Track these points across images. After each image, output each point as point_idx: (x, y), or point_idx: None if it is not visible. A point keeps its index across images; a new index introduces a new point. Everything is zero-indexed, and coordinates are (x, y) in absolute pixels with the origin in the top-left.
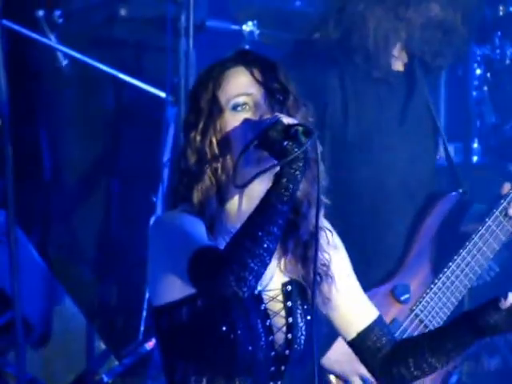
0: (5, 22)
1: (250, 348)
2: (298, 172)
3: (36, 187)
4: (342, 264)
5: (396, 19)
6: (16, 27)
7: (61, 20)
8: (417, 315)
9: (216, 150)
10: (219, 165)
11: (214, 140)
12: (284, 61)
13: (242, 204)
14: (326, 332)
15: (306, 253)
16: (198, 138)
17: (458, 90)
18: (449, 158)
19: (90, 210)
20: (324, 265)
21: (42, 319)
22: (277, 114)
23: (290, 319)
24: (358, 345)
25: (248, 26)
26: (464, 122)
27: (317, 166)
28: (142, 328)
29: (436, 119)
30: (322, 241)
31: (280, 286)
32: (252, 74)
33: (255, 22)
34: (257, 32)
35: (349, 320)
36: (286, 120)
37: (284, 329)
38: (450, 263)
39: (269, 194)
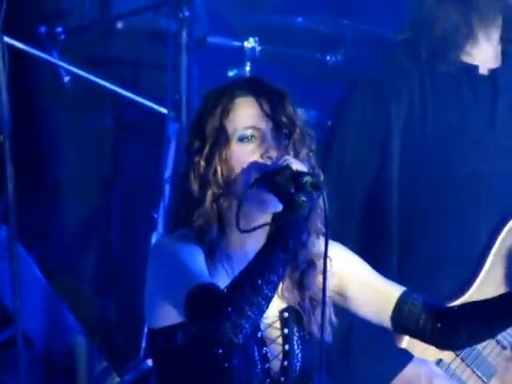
0: (6, 38)
1: (245, 377)
2: (301, 221)
3: (37, 203)
4: (351, 266)
5: (467, 10)
6: (18, 43)
7: (62, 36)
8: None
9: (220, 179)
10: (221, 192)
11: (219, 169)
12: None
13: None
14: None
15: (302, 280)
16: (203, 164)
17: None
18: None
19: (91, 226)
20: (320, 291)
21: (42, 335)
22: (286, 157)
23: (287, 346)
24: (399, 321)
25: (249, 43)
26: None
27: (325, 220)
28: (143, 344)
29: None
30: (320, 266)
31: (277, 313)
32: (261, 106)
33: (256, 38)
34: (258, 48)
35: (380, 305)
36: (295, 166)
37: (280, 356)
38: None
39: (271, 241)
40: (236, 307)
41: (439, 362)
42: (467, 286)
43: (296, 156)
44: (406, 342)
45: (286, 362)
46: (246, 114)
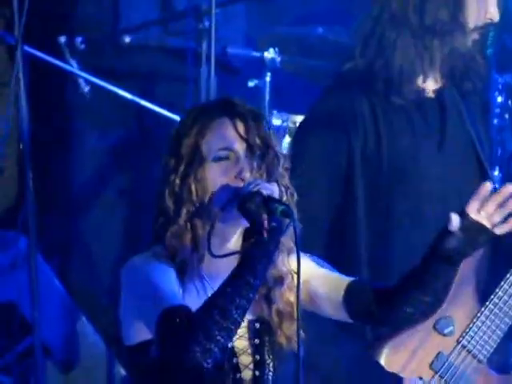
0: (26, 47)
1: (210, 360)
2: (271, 248)
3: (57, 214)
4: (308, 271)
5: (423, 48)
6: (37, 53)
7: (82, 46)
8: (464, 346)
9: (194, 198)
10: (195, 211)
11: (193, 188)
12: (321, 94)
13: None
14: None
15: (269, 294)
16: (178, 182)
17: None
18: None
19: (110, 237)
20: (288, 305)
21: (61, 345)
22: (258, 181)
23: (257, 357)
24: (351, 307)
25: (269, 53)
26: (487, 148)
27: (296, 245)
28: None
29: (475, 144)
30: (289, 282)
31: (246, 324)
32: (236, 129)
33: (277, 49)
34: (278, 59)
35: (333, 294)
36: (266, 192)
37: (251, 366)
38: (497, 289)
39: (241, 267)
40: (206, 333)
41: (420, 379)
42: None
43: (269, 177)
44: (384, 358)
45: (257, 372)
46: (221, 136)
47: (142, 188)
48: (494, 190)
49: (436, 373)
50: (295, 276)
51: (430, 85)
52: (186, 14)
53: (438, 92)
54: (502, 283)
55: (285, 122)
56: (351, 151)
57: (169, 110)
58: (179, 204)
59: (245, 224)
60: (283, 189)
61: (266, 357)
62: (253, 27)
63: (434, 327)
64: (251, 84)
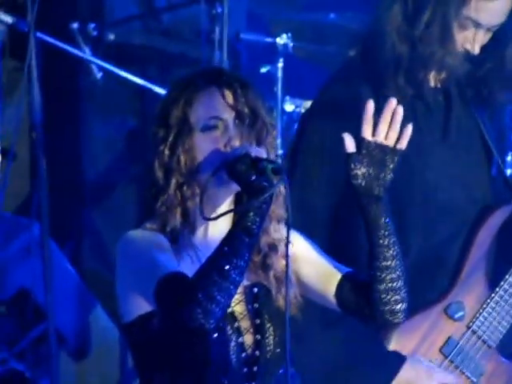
0: (39, 34)
1: (222, 351)
2: (264, 206)
3: (70, 200)
4: (300, 248)
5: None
6: (50, 39)
7: (95, 32)
8: (474, 331)
9: (183, 168)
10: (185, 180)
11: (182, 158)
12: (326, 81)
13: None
14: None
15: (264, 260)
16: (167, 152)
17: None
18: (502, 171)
19: (123, 223)
20: (283, 272)
21: (75, 332)
22: (245, 145)
23: (258, 320)
24: (342, 299)
25: (282, 39)
26: (498, 134)
27: (286, 204)
28: None
29: (486, 134)
30: (282, 250)
31: (243, 290)
32: (224, 98)
33: (289, 34)
34: (291, 45)
35: (325, 282)
36: (254, 153)
37: (252, 330)
38: (507, 276)
39: (236, 227)
40: (206, 293)
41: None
42: (447, 290)
43: (258, 145)
44: (393, 342)
45: (258, 336)
46: (209, 105)
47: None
48: (510, 176)
49: (446, 357)
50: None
51: (433, 75)
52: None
53: (443, 82)
54: None
55: (297, 108)
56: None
57: None
58: (169, 174)
59: (235, 189)
60: (272, 155)
61: (266, 321)
62: (265, 13)
63: (445, 312)
64: (264, 70)
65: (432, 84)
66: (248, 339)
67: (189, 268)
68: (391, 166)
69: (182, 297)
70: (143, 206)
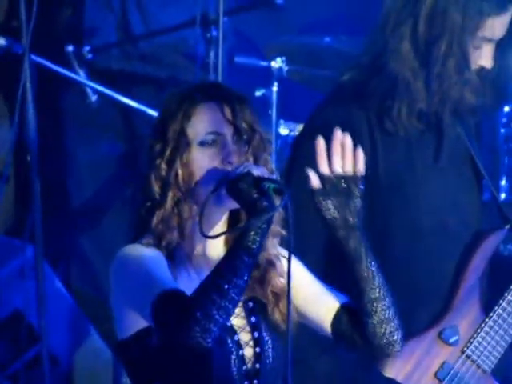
0: (33, 57)
1: (223, 364)
2: (265, 226)
3: (63, 222)
4: (298, 274)
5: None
6: (45, 62)
7: (90, 55)
8: (468, 356)
9: (181, 183)
10: (182, 195)
11: (180, 172)
12: (318, 105)
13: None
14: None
15: (262, 275)
16: (164, 166)
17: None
18: (493, 194)
19: (116, 245)
20: (281, 287)
21: (68, 353)
22: (247, 163)
23: (256, 334)
24: (338, 329)
25: (277, 63)
26: (492, 159)
27: (288, 226)
28: None
29: (475, 156)
30: (279, 266)
31: (241, 304)
32: (222, 113)
33: (284, 58)
34: (285, 68)
35: (322, 312)
36: (256, 172)
37: (251, 343)
38: (501, 301)
39: (236, 246)
40: (204, 311)
41: None
42: (442, 314)
43: (255, 161)
44: (388, 367)
45: (258, 349)
46: (207, 120)
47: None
48: (504, 201)
49: (441, 382)
50: (283, 260)
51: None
52: (195, 23)
53: (435, 105)
54: (506, 294)
55: (292, 132)
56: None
57: None
58: (166, 188)
59: (232, 206)
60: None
61: (264, 334)
62: (260, 36)
63: (439, 336)
64: (258, 93)
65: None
66: (248, 352)
67: (185, 284)
68: (357, 193)
69: (179, 314)
70: (138, 220)
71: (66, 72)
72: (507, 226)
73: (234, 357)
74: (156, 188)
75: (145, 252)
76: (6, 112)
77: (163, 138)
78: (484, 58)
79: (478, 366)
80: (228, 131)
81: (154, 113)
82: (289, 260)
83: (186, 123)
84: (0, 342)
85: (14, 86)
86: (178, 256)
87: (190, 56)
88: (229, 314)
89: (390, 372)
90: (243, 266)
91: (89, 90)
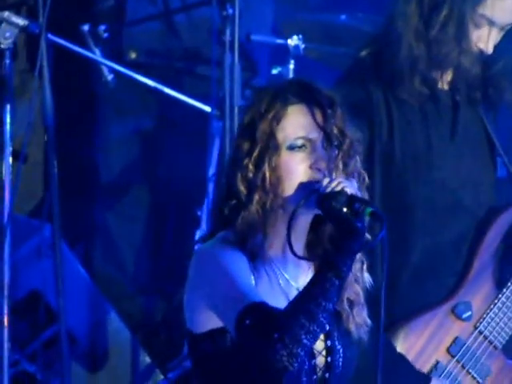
0: (50, 36)
1: (295, 373)
2: (357, 249)
3: (80, 201)
4: None
5: (429, 51)
6: (61, 41)
7: (106, 34)
8: (481, 332)
9: (268, 186)
10: (268, 199)
11: (268, 175)
12: (336, 81)
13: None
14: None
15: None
16: (251, 167)
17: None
18: (509, 171)
19: (134, 224)
20: (357, 294)
21: (86, 333)
22: (339, 179)
23: (329, 342)
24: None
25: (293, 40)
26: (509, 135)
27: (384, 258)
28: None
29: (492, 135)
30: (355, 270)
31: None
32: (313, 116)
33: (300, 36)
34: (302, 46)
35: None
36: (350, 190)
37: (324, 352)
38: None
39: (327, 268)
40: (293, 336)
41: (436, 363)
42: (455, 290)
43: (345, 167)
44: (400, 342)
45: (329, 358)
46: (297, 123)
47: (166, 175)
48: None
49: (453, 357)
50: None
51: (443, 76)
52: (211, 1)
53: (452, 83)
54: None
55: None
56: (370, 140)
57: (192, 97)
58: (252, 190)
59: (316, 215)
60: (357, 177)
61: (337, 343)
62: (277, 14)
63: (453, 311)
64: (275, 71)
65: (441, 85)
66: (320, 361)
67: (265, 285)
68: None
69: (268, 337)
70: (219, 215)
71: (81, 51)
72: None
73: (306, 366)
74: (242, 188)
75: (228, 254)
76: (25, 91)
77: (251, 138)
78: (483, 40)
79: (490, 342)
80: (318, 136)
81: (170, 91)
82: (381, 291)
83: (275, 125)
84: (18, 321)
85: (31, 65)
86: (259, 256)
87: (207, 34)
88: (316, 338)
89: (403, 344)
90: (333, 288)
91: (105, 69)
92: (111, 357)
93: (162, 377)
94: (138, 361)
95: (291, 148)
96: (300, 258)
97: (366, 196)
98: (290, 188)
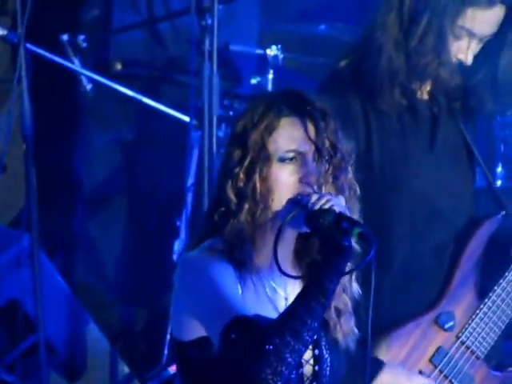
0: (29, 45)
1: (280, 382)
2: (344, 267)
3: (60, 211)
4: None
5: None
6: (40, 51)
7: (85, 44)
8: (463, 342)
9: (258, 196)
10: (257, 209)
11: (258, 185)
12: (314, 91)
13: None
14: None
15: None
16: (242, 176)
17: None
18: (489, 181)
19: (114, 234)
20: (345, 303)
21: (65, 342)
22: (328, 196)
23: (316, 351)
24: None
25: (272, 50)
26: (488, 146)
27: (371, 280)
28: (165, 351)
29: (471, 145)
30: (343, 280)
31: None
32: (305, 130)
33: (279, 46)
34: (281, 56)
35: None
36: (338, 209)
37: (311, 361)
38: (495, 287)
39: (313, 286)
40: (278, 355)
41: (420, 373)
42: (438, 300)
43: (335, 180)
44: (384, 352)
45: (317, 367)
46: (289, 136)
47: (145, 185)
48: (500, 188)
49: (436, 367)
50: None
51: (422, 87)
52: (190, 11)
53: (431, 93)
54: (501, 281)
55: None
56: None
57: (172, 107)
58: (242, 199)
59: (302, 231)
60: (348, 190)
61: (324, 352)
62: (255, 24)
63: (436, 321)
64: (254, 81)
65: (420, 95)
66: (307, 371)
67: (252, 296)
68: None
69: (252, 352)
70: (207, 222)
71: (60, 60)
72: (502, 213)
73: (293, 376)
74: (232, 196)
75: (215, 265)
76: (3, 101)
77: (243, 147)
78: (463, 51)
79: (473, 352)
80: (309, 150)
81: (148, 101)
82: (368, 311)
83: (266, 136)
84: None
85: (10, 74)
86: (246, 266)
87: (185, 44)
88: (301, 356)
89: (386, 354)
90: (319, 307)
91: (84, 79)
92: (90, 366)
93: None
94: (116, 370)
95: (282, 160)
96: (287, 275)
97: (357, 208)
98: (279, 200)
